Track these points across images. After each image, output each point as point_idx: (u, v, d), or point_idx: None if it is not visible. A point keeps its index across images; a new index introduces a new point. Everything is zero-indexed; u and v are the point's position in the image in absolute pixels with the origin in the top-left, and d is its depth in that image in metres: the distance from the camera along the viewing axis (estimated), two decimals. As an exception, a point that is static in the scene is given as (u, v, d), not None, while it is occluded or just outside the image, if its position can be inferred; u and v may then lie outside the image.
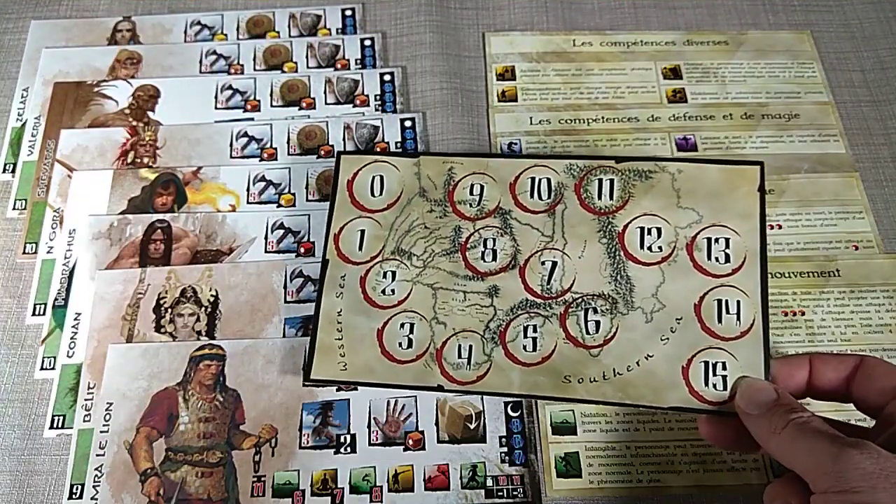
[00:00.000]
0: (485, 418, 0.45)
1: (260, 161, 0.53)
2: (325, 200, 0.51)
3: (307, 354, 0.42)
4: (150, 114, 0.55)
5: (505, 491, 0.43)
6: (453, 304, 0.41)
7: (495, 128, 0.55)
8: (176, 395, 0.45)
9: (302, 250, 0.50)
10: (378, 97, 0.56)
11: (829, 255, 0.50)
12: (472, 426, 0.45)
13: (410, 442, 0.44)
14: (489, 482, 0.43)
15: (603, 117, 0.56)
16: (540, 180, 0.43)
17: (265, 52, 0.58)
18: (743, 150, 0.54)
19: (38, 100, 0.56)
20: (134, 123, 0.55)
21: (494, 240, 0.42)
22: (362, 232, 0.44)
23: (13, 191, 0.53)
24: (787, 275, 0.50)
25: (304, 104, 0.56)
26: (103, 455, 0.44)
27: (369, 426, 0.45)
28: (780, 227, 0.52)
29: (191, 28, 0.59)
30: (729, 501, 0.43)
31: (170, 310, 0.48)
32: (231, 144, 0.54)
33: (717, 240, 0.40)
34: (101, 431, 0.44)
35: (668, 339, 0.38)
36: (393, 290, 0.42)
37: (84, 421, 0.45)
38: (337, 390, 0.45)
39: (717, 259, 0.39)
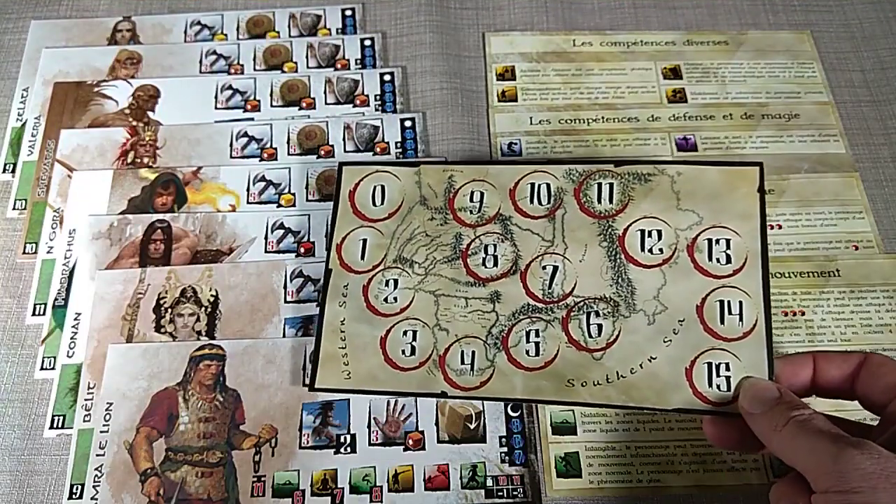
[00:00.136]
0: (485, 418, 0.45)
1: (260, 161, 0.53)
2: (325, 200, 0.51)
3: (311, 364, 0.42)
4: (150, 114, 0.55)
5: (505, 491, 0.43)
6: (455, 310, 0.41)
7: (495, 128, 0.55)
8: (176, 395, 0.45)
9: (302, 250, 0.50)
10: (378, 97, 0.56)
11: (829, 255, 0.50)
12: (472, 426, 0.45)
13: (410, 442, 0.44)
14: (489, 482, 0.43)
15: (603, 117, 0.56)
16: (539, 186, 0.43)
17: (265, 52, 0.58)
18: (743, 150, 0.54)
19: (38, 100, 0.56)
20: (134, 123, 0.55)
21: (495, 246, 0.42)
22: (364, 241, 0.44)
23: (13, 191, 0.53)
24: (787, 275, 0.50)
25: (304, 104, 0.56)
26: (103, 455, 0.44)
27: (369, 426, 0.45)
28: (780, 227, 0.52)
29: (191, 28, 0.59)
30: (729, 501, 0.43)
31: (170, 310, 0.48)
32: (231, 144, 0.54)
33: (717, 241, 0.40)
34: (101, 431, 0.44)
35: (670, 340, 0.38)
36: (395, 298, 0.42)
37: (84, 421, 0.45)
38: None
39: (718, 260, 0.39)
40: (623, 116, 0.56)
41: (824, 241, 0.51)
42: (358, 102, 0.56)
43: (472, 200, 0.44)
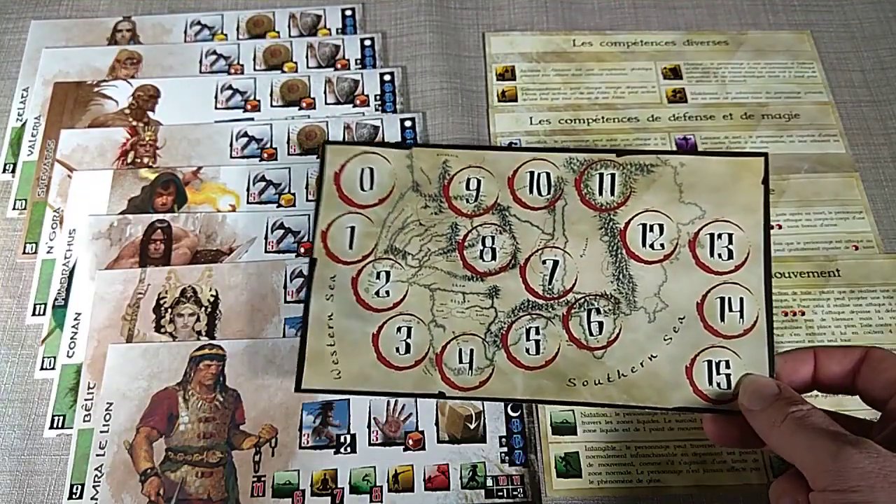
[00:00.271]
0: (485, 418, 0.45)
1: (260, 161, 0.53)
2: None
3: (297, 362, 0.40)
4: (150, 114, 0.55)
5: (505, 491, 0.43)
6: (452, 305, 0.40)
7: (495, 128, 0.55)
8: (176, 395, 0.45)
9: (302, 250, 0.50)
10: (378, 97, 0.56)
11: (829, 255, 0.50)
12: (472, 426, 0.45)
13: (410, 442, 0.44)
14: (489, 482, 0.43)
15: (603, 117, 0.56)
16: (539, 175, 0.42)
17: (265, 52, 0.58)
18: (743, 150, 0.54)
19: (38, 100, 0.56)
20: (134, 123, 0.55)
21: (493, 238, 0.41)
22: (352, 229, 0.41)
23: (13, 191, 0.53)
24: (787, 275, 0.50)
25: (304, 104, 0.56)
26: (103, 455, 0.44)
27: (369, 426, 0.45)
28: (780, 227, 0.52)
29: (191, 28, 0.59)
30: (729, 501, 0.43)
31: (170, 310, 0.48)
32: (231, 144, 0.54)
33: (720, 235, 0.39)
34: (101, 431, 0.44)
35: (671, 338, 0.38)
36: (387, 292, 0.40)
37: (84, 421, 0.45)
38: (337, 390, 0.45)
39: (719, 256, 0.39)
40: (623, 116, 0.56)
41: (824, 241, 0.51)
42: (358, 102, 0.56)
43: (468, 188, 0.42)
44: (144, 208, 0.51)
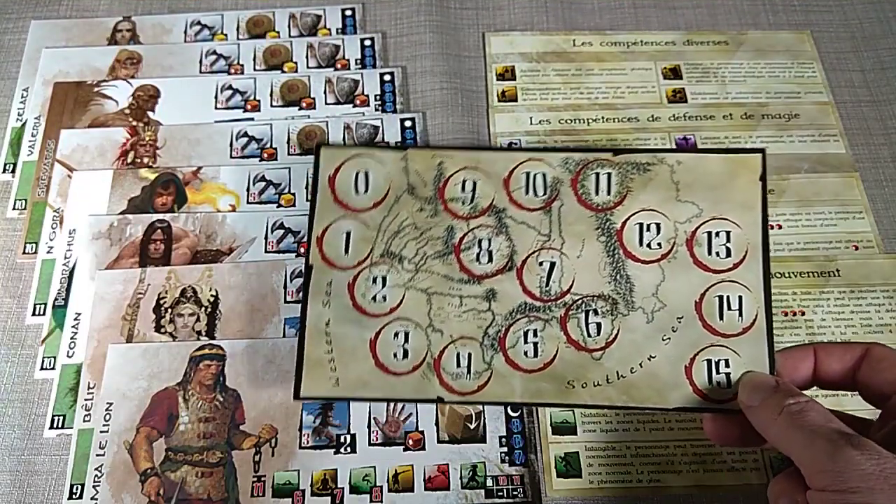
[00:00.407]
0: (485, 418, 0.45)
1: (260, 161, 0.53)
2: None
3: (295, 370, 0.39)
4: (150, 114, 0.55)
5: (505, 491, 0.43)
6: (449, 309, 0.39)
7: (495, 128, 0.55)
8: (176, 395, 0.45)
9: (302, 250, 0.50)
10: (378, 97, 0.56)
11: (829, 255, 0.50)
12: (472, 426, 0.45)
13: (410, 442, 0.44)
14: (489, 482, 0.43)
15: (603, 117, 0.56)
16: (535, 175, 0.41)
17: (265, 52, 0.58)
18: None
19: (38, 100, 0.56)
20: (134, 123, 0.55)
21: (490, 240, 0.40)
22: (348, 234, 0.40)
23: (13, 191, 0.53)
24: (787, 275, 0.50)
25: (304, 104, 0.56)
26: (103, 455, 0.44)
27: (369, 426, 0.45)
28: (780, 227, 0.52)
29: (191, 28, 0.59)
30: (729, 501, 0.43)
31: (170, 310, 0.48)
32: (231, 144, 0.54)
33: (717, 233, 0.39)
34: (101, 431, 0.44)
35: (669, 338, 0.38)
36: (384, 297, 0.40)
37: (84, 421, 0.45)
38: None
39: (717, 254, 0.39)
40: (623, 116, 0.56)
41: (824, 241, 0.51)
42: (358, 102, 0.56)
43: (463, 190, 0.41)
44: (144, 208, 0.51)
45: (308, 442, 0.44)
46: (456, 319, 0.39)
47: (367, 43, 0.59)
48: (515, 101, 0.57)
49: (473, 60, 0.59)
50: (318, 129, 0.55)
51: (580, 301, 0.39)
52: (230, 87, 0.56)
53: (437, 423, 0.45)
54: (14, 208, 0.52)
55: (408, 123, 0.55)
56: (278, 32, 0.59)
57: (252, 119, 0.55)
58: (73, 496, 0.43)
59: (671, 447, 0.45)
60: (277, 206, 0.52)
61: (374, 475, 0.44)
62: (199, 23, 0.60)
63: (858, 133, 0.56)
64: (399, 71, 0.57)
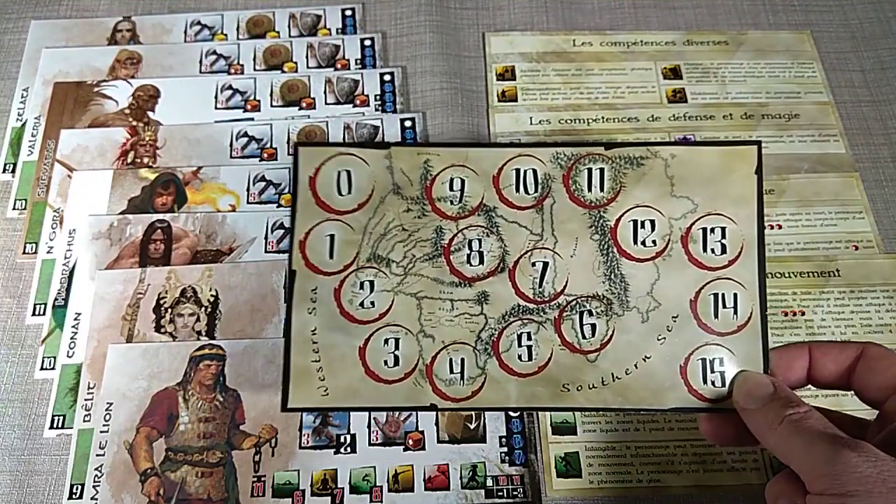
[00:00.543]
0: (485, 418, 0.45)
1: (260, 161, 0.53)
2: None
3: (282, 381, 0.38)
4: (150, 114, 0.55)
5: (505, 491, 0.43)
6: (440, 314, 0.38)
7: (495, 128, 0.55)
8: (176, 395, 0.45)
9: (302, 250, 0.50)
10: (378, 97, 0.56)
11: (829, 255, 0.50)
12: (472, 426, 0.45)
13: (410, 442, 0.44)
14: (489, 482, 0.43)
15: (603, 117, 0.56)
16: (525, 172, 0.40)
17: (265, 52, 0.58)
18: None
19: (38, 100, 0.56)
20: (134, 123, 0.55)
21: (480, 241, 0.39)
22: (332, 237, 0.39)
23: (13, 191, 0.53)
24: (787, 275, 0.50)
25: (304, 104, 0.56)
26: (103, 455, 0.44)
27: (369, 426, 0.45)
28: (780, 227, 0.52)
29: (191, 28, 0.59)
30: (729, 501, 0.43)
31: (170, 310, 0.48)
32: (231, 144, 0.54)
33: (712, 229, 0.38)
34: (101, 431, 0.44)
35: (664, 338, 0.38)
36: (372, 303, 0.38)
37: (84, 421, 0.45)
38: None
39: (712, 251, 0.38)
40: (623, 116, 0.56)
41: (824, 241, 0.51)
42: (358, 102, 0.56)
43: (451, 189, 0.39)
44: (144, 208, 0.51)
45: (308, 442, 0.44)
46: (447, 324, 0.38)
47: (367, 43, 0.59)
48: (515, 101, 0.57)
49: (473, 60, 0.59)
50: (318, 129, 0.55)
51: (574, 302, 0.38)
52: (230, 87, 0.56)
53: (436, 424, 0.45)
54: (14, 208, 0.52)
55: (408, 123, 0.55)
56: (278, 32, 0.59)
57: (252, 119, 0.55)
58: (73, 496, 0.43)
59: (671, 447, 0.45)
60: (277, 206, 0.52)
61: (374, 475, 0.44)
62: (199, 23, 0.60)
63: (858, 133, 0.56)
64: (399, 71, 0.57)
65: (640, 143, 0.40)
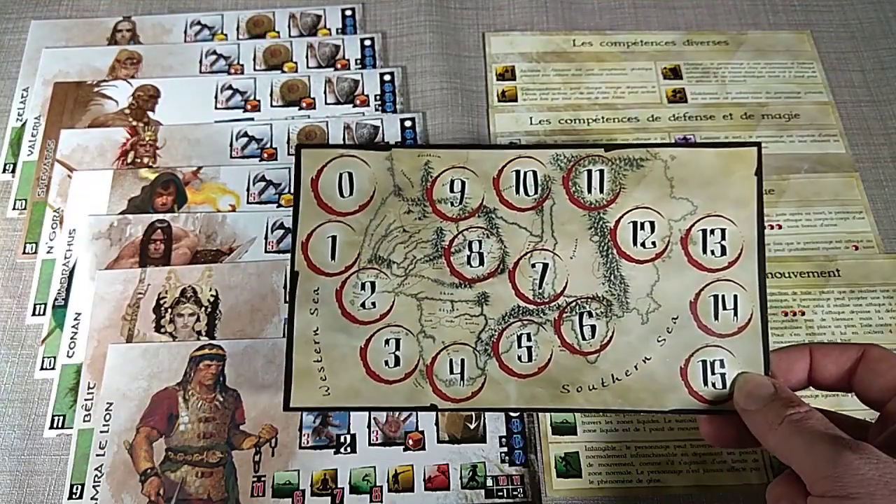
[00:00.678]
0: (485, 418, 0.45)
1: (260, 161, 0.53)
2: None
3: (284, 381, 0.38)
4: (150, 114, 0.55)
5: (505, 491, 0.43)
6: (441, 315, 0.38)
7: (495, 128, 0.55)
8: (176, 395, 0.45)
9: (302, 250, 0.50)
10: (378, 97, 0.56)
11: (829, 255, 0.50)
12: (472, 426, 0.45)
13: (410, 442, 0.44)
14: (489, 482, 0.43)
15: (603, 117, 0.56)
16: (525, 174, 0.40)
17: (265, 52, 0.58)
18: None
19: (38, 100, 0.56)
20: (134, 123, 0.55)
21: (480, 242, 0.39)
22: (333, 238, 0.39)
23: (13, 191, 0.53)
24: (787, 275, 0.50)
25: (304, 104, 0.56)
26: (103, 455, 0.44)
27: (369, 426, 0.45)
28: (780, 227, 0.52)
29: (191, 28, 0.59)
30: (729, 501, 0.43)
31: (170, 310, 0.48)
32: (231, 144, 0.54)
33: (712, 231, 0.38)
34: (101, 431, 0.44)
35: (664, 340, 0.38)
36: (373, 303, 0.39)
37: (84, 421, 0.45)
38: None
39: (712, 252, 0.38)
40: (623, 116, 0.56)
41: (824, 241, 0.51)
42: (358, 102, 0.56)
43: (452, 190, 0.40)
44: (144, 208, 0.51)
45: (308, 442, 0.44)
46: (448, 325, 0.39)
47: (367, 43, 0.59)
48: (515, 101, 0.57)
49: (473, 60, 0.59)
50: (318, 129, 0.55)
51: (574, 303, 0.38)
52: (230, 87, 0.56)
53: (436, 423, 0.45)
54: (14, 208, 0.52)
55: (408, 123, 0.55)
56: (278, 32, 0.59)
57: (252, 119, 0.55)
58: (73, 496, 0.43)
59: (671, 447, 0.45)
60: (277, 206, 0.52)
61: (374, 475, 0.44)
62: (199, 23, 0.60)
63: (858, 133, 0.56)
64: (399, 71, 0.57)
65: (639, 145, 0.40)
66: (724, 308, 0.37)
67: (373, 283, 0.39)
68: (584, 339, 0.38)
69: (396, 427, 0.45)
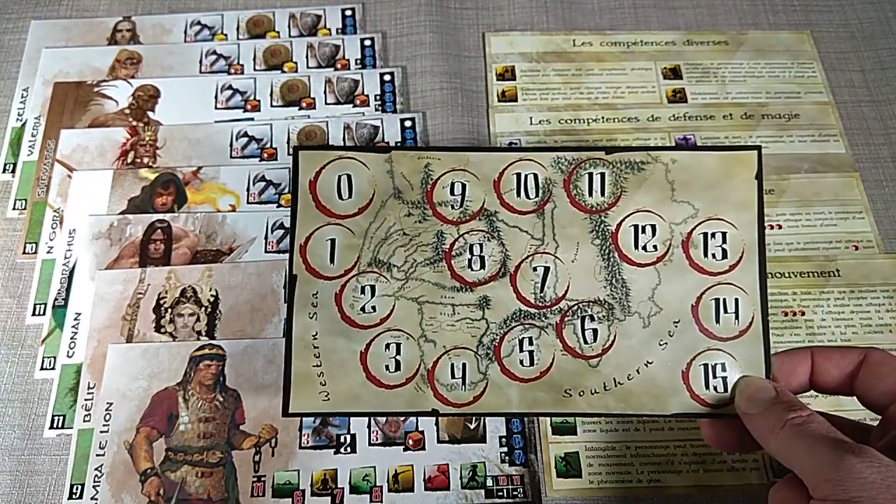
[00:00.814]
0: (484, 418, 0.45)
1: (260, 161, 0.53)
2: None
3: (283, 386, 0.38)
4: (150, 114, 0.55)
5: (505, 491, 0.43)
6: (442, 319, 0.38)
7: (495, 128, 0.55)
8: (176, 395, 0.45)
9: (302, 250, 0.50)
10: (378, 97, 0.56)
11: (829, 255, 0.50)
12: (472, 426, 0.45)
13: (410, 442, 0.44)
14: (489, 482, 0.43)
15: (603, 117, 0.56)
16: (526, 176, 0.40)
17: (265, 52, 0.58)
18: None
19: (38, 100, 0.56)
20: (134, 123, 0.55)
21: (481, 245, 0.39)
22: (332, 241, 0.39)
23: (13, 191, 0.53)
24: (787, 275, 0.50)
25: (304, 104, 0.56)
26: (103, 455, 0.44)
27: (369, 426, 0.45)
28: (780, 227, 0.52)
29: (191, 28, 0.59)
30: (729, 501, 0.43)
31: (170, 310, 0.48)
32: (231, 144, 0.54)
33: (713, 234, 0.38)
34: (101, 431, 0.44)
35: (666, 343, 0.38)
36: (374, 307, 0.38)
37: (84, 421, 0.45)
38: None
39: (713, 256, 0.38)
40: (623, 116, 0.56)
41: (824, 241, 0.51)
42: (358, 102, 0.56)
43: (452, 193, 0.39)
44: (144, 208, 0.51)
45: (308, 442, 0.44)
46: (449, 329, 0.38)
47: (367, 43, 0.59)
48: (515, 101, 0.57)
49: (473, 60, 0.59)
50: (318, 129, 0.55)
51: (576, 307, 0.38)
52: (230, 87, 0.56)
53: (436, 424, 0.45)
54: (14, 208, 0.52)
55: (408, 123, 0.55)
56: (278, 32, 0.59)
57: (252, 119, 0.55)
58: (73, 496, 0.43)
59: (671, 447, 0.45)
60: (277, 206, 0.52)
61: (374, 475, 0.44)
62: (199, 23, 0.60)
63: (858, 133, 0.56)
64: (399, 71, 0.57)
65: (640, 148, 0.40)
66: (726, 311, 0.37)
67: (373, 287, 0.39)
68: (585, 342, 0.38)
69: (396, 427, 0.45)
